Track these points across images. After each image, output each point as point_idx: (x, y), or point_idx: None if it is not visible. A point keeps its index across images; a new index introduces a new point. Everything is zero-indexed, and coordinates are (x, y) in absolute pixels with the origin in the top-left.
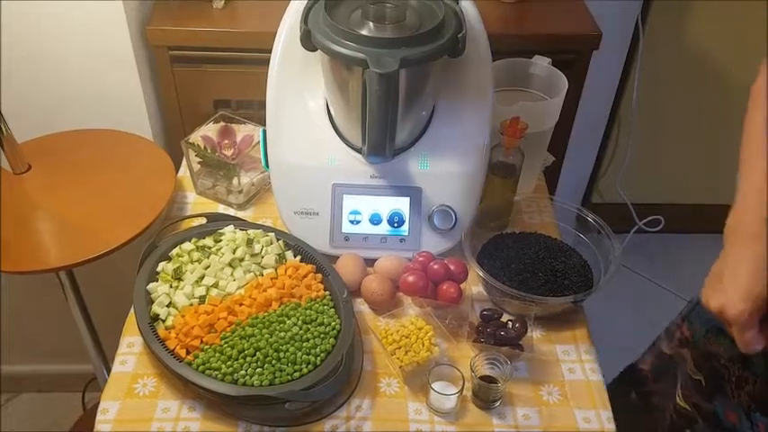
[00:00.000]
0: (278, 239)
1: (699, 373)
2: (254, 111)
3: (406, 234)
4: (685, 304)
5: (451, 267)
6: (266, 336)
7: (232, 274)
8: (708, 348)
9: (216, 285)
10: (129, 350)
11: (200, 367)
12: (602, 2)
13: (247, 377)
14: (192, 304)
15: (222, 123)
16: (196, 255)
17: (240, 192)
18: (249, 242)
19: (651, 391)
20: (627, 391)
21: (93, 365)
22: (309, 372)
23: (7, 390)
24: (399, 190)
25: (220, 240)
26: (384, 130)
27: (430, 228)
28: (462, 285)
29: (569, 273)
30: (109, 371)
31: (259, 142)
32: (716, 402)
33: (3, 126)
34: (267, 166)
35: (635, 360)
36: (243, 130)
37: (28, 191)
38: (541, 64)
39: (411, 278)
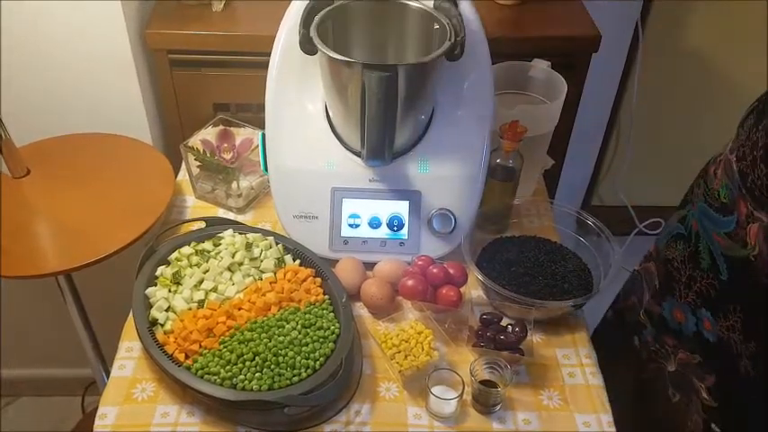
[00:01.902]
0: (277, 243)
1: (656, 279)
2: (254, 114)
3: (406, 238)
4: None
5: (451, 271)
6: (265, 340)
7: (231, 279)
8: (667, 255)
9: (215, 290)
10: (128, 355)
11: (199, 372)
12: (602, 4)
13: (246, 382)
14: (190, 308)
15: (221, 127)
16: (195, 259)
17: (239, 195)
18: (248, 246)
19: (622, 308)
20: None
21: (92, 369)
22: (308, 376)
23: (6, 393)
24: (399, 193)
25: (219, 244)
26: (383, 134)
27: (429, 231)
28: (462, 289)
29: (569, 276)
30: (108, 375)
31: (258, 146)
32: (665, 305)
33: (2, 130)
34: (266, 170)
35: None
36: (242, 134)
37: (27, 195)
38: (541, 67)
39: (410, 282)
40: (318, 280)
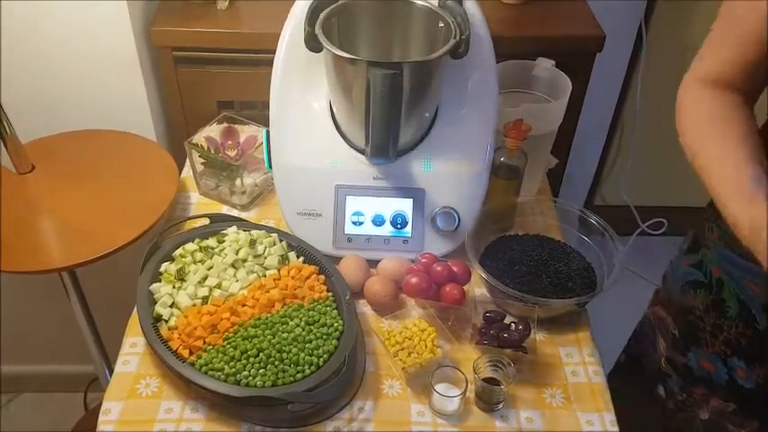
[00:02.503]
0: (281, 240)
1: (675, 327)
2: (258, 112)
3: (409, 235)
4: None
5: (454, 269)
6: (269, 337)
7: (235, 275)
8: (684, 303)
9: (219, 286)
10: (132, 350)
11: (203, 368)
12: (606, 3)
13: (250, 378)
14: (194, 305)
15: (225, 124)
16: (199, 255)
17: (243, 193)
18: (252, 243)
19: (636, 353)
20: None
21: (94, 366)
22: (312, 373)
23: (8, 390)
24: (402, 191)
25: (223, 241)
26: (387, 131)
27: (433, 229)
28: (465, 287)
29: (572, 275)
30: (111, 371)
31: (262, 143)
32: (690, 355)
33: (7, 126)
34: (270, 167)
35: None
36: (246, 131)
37: (31, 191)
38: (545, 66)
39: (414, 280)
40: (322, 277)
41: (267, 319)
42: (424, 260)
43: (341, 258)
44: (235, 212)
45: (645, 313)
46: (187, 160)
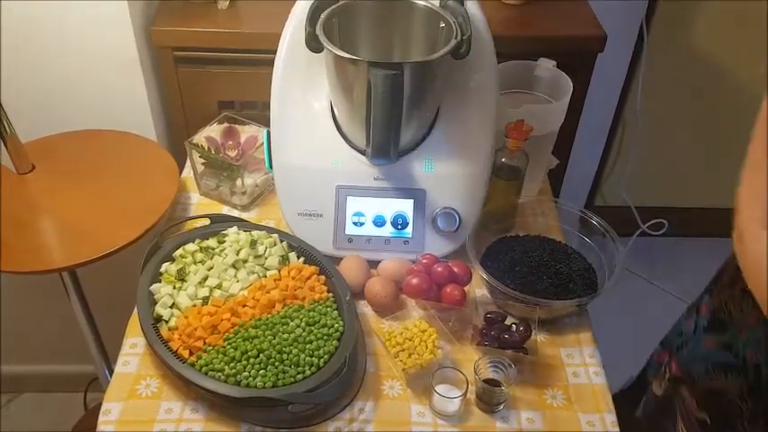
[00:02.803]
0: (281, 241)
1: (702, 412)
2: (259, 112)
3: (410, 236)
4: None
5: (455, 270)
6: (269, 337)
7: (235, 276)
8: (712, 386)
9: (219, 286)
10: (132, 351)
11: (203, 368)
12: (607, 4)
13: (250, 379)
14: (195, 305)
15: (226, 124)
16: (199, 256)
17: (244, 193)
18: (253, 243)
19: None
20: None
21: (95, 366)
22: (313, 374)
23: (8, 390)
24: (403, 192)
25: (224, 241)
26: (388, 131)
27: (434, 230)
28: (466, 288)
29: (573, 276)
30: (111, 371)
31: (263, 143)
32: None
33: (7, 126)
34: (271, 168)
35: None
36: (247, 131)
37: (32, 191)
38: (546, 66)
39: (415, 280)
40: (322, 278)
41: (267, 319)
42: (424, 261)
43: (341, 259)
44: (235, 213)
45: (656, 392)
46: (187, 160)
